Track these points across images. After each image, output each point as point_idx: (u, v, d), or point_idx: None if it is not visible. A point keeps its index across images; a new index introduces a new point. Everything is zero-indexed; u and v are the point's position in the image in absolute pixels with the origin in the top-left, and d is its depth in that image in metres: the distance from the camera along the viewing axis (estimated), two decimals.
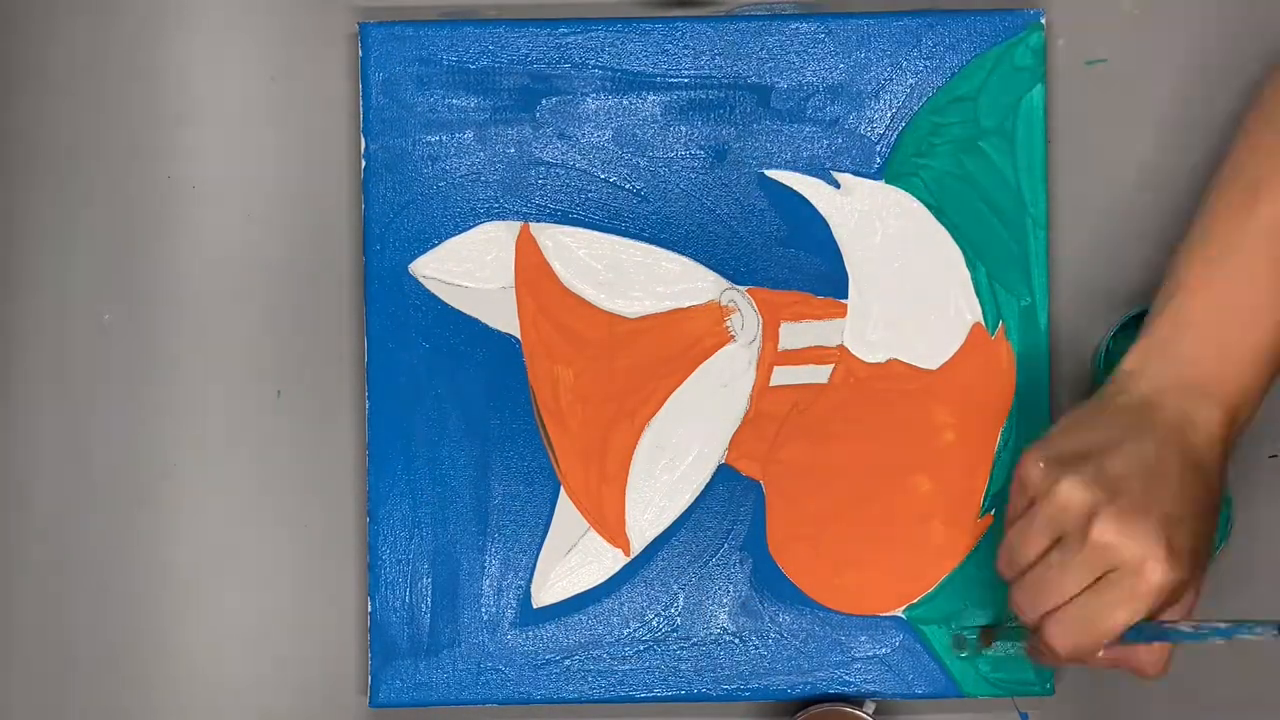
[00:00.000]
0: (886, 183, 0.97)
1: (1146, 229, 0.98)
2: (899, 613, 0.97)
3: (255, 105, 0.99)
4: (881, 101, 0.98)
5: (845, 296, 0.97)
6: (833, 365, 0.97)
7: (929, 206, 0.97)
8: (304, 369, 0.99)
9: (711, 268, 0.98)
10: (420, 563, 0.97)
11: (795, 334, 0.97)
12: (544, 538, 0.97)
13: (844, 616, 0.97)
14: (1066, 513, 0.82)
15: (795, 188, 0.98)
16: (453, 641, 0.97)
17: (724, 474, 0.97)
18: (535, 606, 0.97)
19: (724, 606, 0.97)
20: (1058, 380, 0.98)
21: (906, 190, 0.97)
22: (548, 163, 0.98)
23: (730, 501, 0.97)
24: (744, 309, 0.98)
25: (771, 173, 0.98)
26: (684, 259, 0.98)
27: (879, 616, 0.97)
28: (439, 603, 0.97)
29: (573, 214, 0.98)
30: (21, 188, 0.99)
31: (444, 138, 0.98)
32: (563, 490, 0.97)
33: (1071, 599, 0.82)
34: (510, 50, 0.98)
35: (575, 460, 0.97)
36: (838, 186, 0.98)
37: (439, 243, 0.98)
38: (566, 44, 0.98)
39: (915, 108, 0.97)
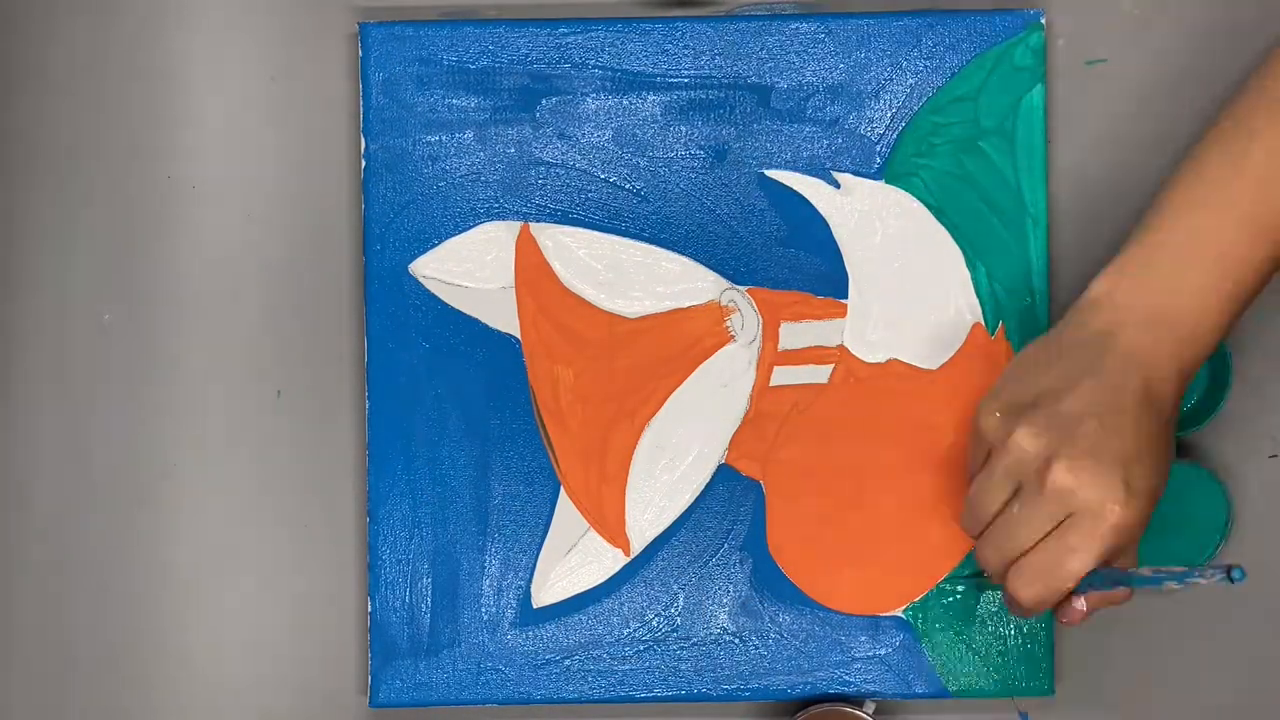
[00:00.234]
0: (886, 183, 0.97)
1: None
2: (899, 613, 0.97)
3: (255, 105, 0.99)
4: (881, 101, 0.98)
5: (845, 296, 0.97)
6: (833, 365, 0.97)
7: (929, 206, 0.97)
8: (304, 369, 0.99)
9: (711, 268, 0.98)
10: (420, 563, 0.97)
11: (795, 334, 0.97)
12: (544, 538, 0.97)
13: (844, 616, 0.97)
14: (1023, 462, 0.83)
15: (795, 188, 0.98)
16: (453, 641, 0.97)
17: (724, 474, 0.97)
18: (535, 606, 0.97)
19: (724, 606, 0.97)
20: None
21: (906, 190, 0.97)
22: (548, 163, 0.98)
23: (730, 501, 0.97)
24: (744, 309, 0.97)
25: (771, 173, 0.98)
26: (684, 259, 0.98)
27: (879, 616, 0.97)
28: (439, 603, 0.97)
29: (573, 214, 0.98)
30: (21, 188, 0.99)
31: (444, 138, 0.98)
32: (563, 490, 0.97)
33: (1033, 547, 0.83)
34: (510, 50, 0.98)
35: (575, 460, 0.97)
36: (838, 186, 0.98)
37: (439, 243, 0.98)
38: (566, 44, 0.98)
39: (915, 108, 0.97)
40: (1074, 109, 0.98)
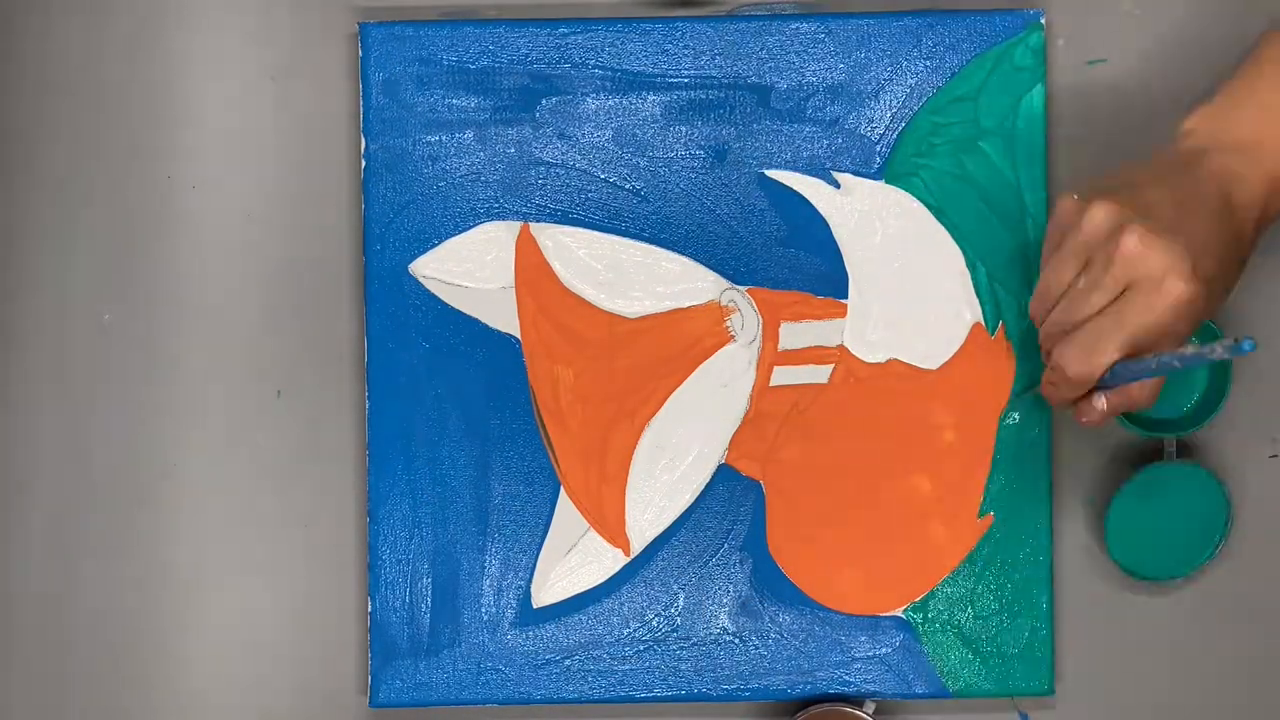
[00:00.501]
0: (886, 183, 0.97)
1: None
2: (899, 613, 0.97)
3: (255, 105, 0.99)
4: (881, 101, 0.98)
5: (845, 296, 0.97)
6: (833, 365, 0.97)
7: (929, 206, 0.97)
8: (304, 369, 0.99)
9: (711, 268, 0.98)
10: (420, 563, 0.97)
11: (795, 334, 0.97)
12: (544, 538, 0.97)
13: (844, 616, 0.97)
14: (1096, 234, 0.83)
15: (795, 188, 0.98)
16: (453, 641, 0.97)
17: (724, 474, 0.97)
18: (535, 606, 0.97)
19: (724, 606, 0.97)
20: None
21: (906, 190, 0.97)
22: (548, 163, 0.98)
23: (730, 501, 0.97)
24: (744, 309, 0.97)
25: (771, 173, 0.98)
26: (684, 259, 0.98)
27: (879, 616, 0.97)
28: (439, 603, 0.97)
29: (573, 214, 0.98)
30: (21, 188, 0.99)
31: (444, 138, 0.98)
32: (563, 490, 0.97)
33: (1089, 318, 0.83)
34: (510, 50, 0.98)
35: (575, 460, 0.97)
36: (838, 186, 0.98)
37: (439, 243, 0.98)
38: (567, 44, 0.98)
39: (915, 108, 0.97)
40: (1074, 109, 0.98)
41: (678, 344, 0.98)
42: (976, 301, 0.97)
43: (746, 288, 0.98)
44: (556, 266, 0.98)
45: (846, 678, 0.97)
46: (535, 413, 0.97)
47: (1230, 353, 0.78)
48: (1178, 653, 0.98)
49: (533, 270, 0.98)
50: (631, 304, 0.98)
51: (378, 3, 0.99)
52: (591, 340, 0.98)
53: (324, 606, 0.98)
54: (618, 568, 0.97)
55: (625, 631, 0.97)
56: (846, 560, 0.97)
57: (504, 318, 0.98)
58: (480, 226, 0.98)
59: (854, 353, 0.97)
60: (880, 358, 0.97)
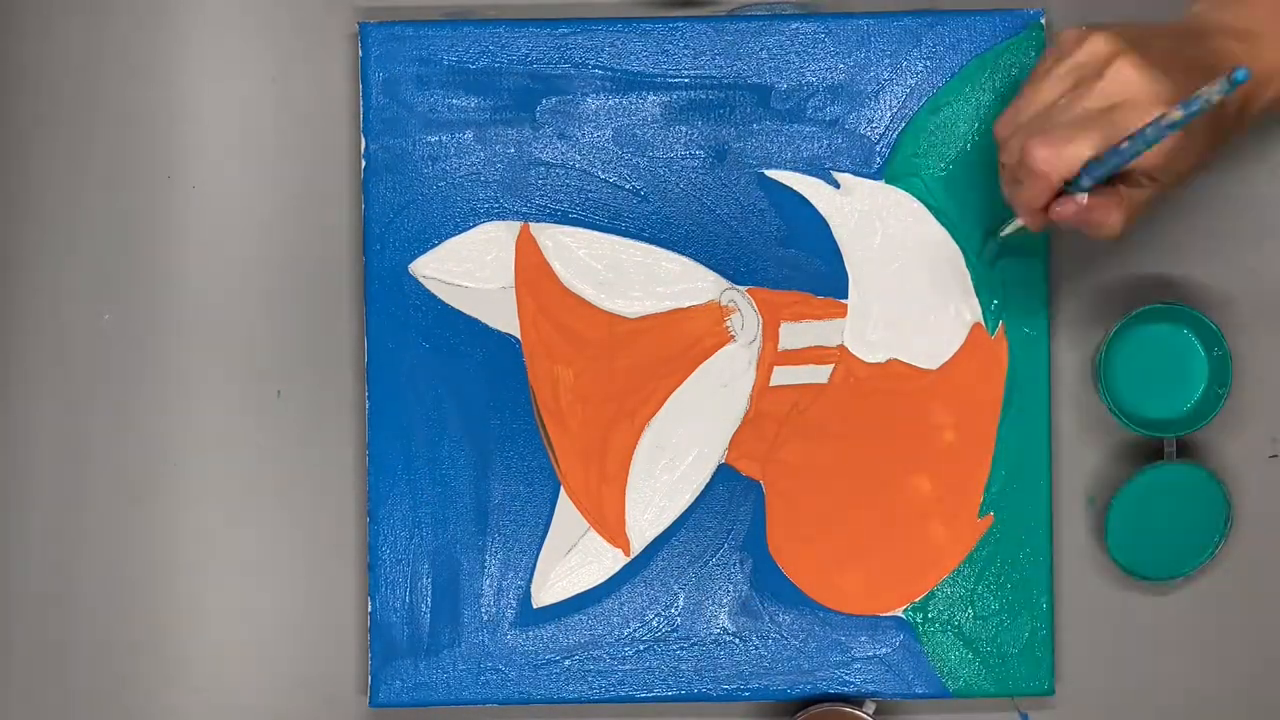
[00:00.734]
0: (886, 183, 0.97)
1: (1146, 229, 0.98)
2: (899, 613, 0.97)
3: (255, 105, 0.99)
4: (881, 101, 0.98)
5: (845, 296, 0.97)
6: (833, 365, 0.97)
7: (929, 206, 0.97)
8: (304, 369, 0.99)
9: (711, 268, 0.98)
10: (420, 563, 0.97)
11: (795, 334, 0.97)
12: (544, 538, 0.97)
13: (844, 616, 0.97)
14: (1093, 58, 0.82)
15: (795, 188, 0.98)
16: (453, 641, 0.97)
17: (724, 474, 0.97)
18: (535, 606, 0.97)
19: (724, 606, 0.97)
20: (1057, 381, 0.98)
21: (906, 190, 0.97)
22: (548, 163, 0.98)
23: (730, 501, 0.97)
24: (744, 309, 0.97)
25: (771, 173, 0.98)
26: (684, 259, 0.98)
27: (879, 616, 0.97)
28: (439, 603, 0.97)
29: (573, 214, 0.98)
30: (21, 187, 0.99)
31: (444, 138, 0.98)
32: (563, 490, 0.97)
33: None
34: (510, 50, 0.98)
35: (575, 460, 0.97)
36: (838, 186, 0.98)
37: (439, 243, 0.98)
38: (567, 44, 0.98)
39: (915, 108, 0.97)
40: None
41: (678, 344, 0.98)
42: (976, 301, 0.97)
43: (746, 288, 0.98)
44: (556, 266, 0.98)
45: (846, 678, 0.97)
46: (535, 413, 0.97)
47: (1223, 91, 0.76)
48: (1178, 653, 0.98)
49: (533, 270, 0.98)
50: (631, 304, 0.98)
51: (378, 3, 0.99)
52: (591, 340, 0.98)
53: (324, 606, 0.98)
54: (618, 568, 0.97)
55: (625, 631, 0.97)
56: (846, 560, 0.97)
57: (504, 318, 0.98)
58: (480, 226, 0.98)
59: (854, 353, 0.97)
60: (880, 358, 0.97)
